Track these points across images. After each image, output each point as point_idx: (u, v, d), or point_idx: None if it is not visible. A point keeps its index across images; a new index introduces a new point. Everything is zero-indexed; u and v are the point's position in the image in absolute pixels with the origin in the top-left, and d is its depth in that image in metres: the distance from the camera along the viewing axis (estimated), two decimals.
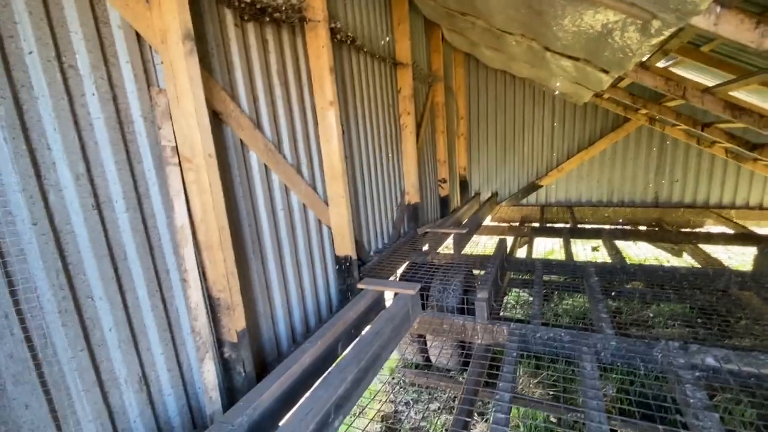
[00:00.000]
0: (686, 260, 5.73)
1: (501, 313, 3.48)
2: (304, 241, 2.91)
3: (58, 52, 1.45)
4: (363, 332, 2.93)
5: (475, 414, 2.87)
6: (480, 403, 3.17)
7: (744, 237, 4.98)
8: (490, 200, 7.35)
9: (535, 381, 3.23)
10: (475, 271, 4.29)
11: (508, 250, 5.23)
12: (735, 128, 4.72)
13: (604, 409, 1.95)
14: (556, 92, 6.61)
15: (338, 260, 3.25)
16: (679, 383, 2.14)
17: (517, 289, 5.13)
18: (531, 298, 5.00)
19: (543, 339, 2.71)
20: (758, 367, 2.18)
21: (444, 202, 6.22)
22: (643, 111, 5.99)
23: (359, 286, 3.15)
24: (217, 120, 2.14)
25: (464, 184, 7.50)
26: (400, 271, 4.03)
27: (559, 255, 6.87)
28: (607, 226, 6.52)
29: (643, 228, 6.74)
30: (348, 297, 3.30)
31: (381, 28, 4.18)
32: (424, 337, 3.55)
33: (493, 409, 2.02)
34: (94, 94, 1.57)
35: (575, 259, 4.52)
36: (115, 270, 1.65)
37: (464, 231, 4.71)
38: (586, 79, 4.24)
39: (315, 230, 3.06)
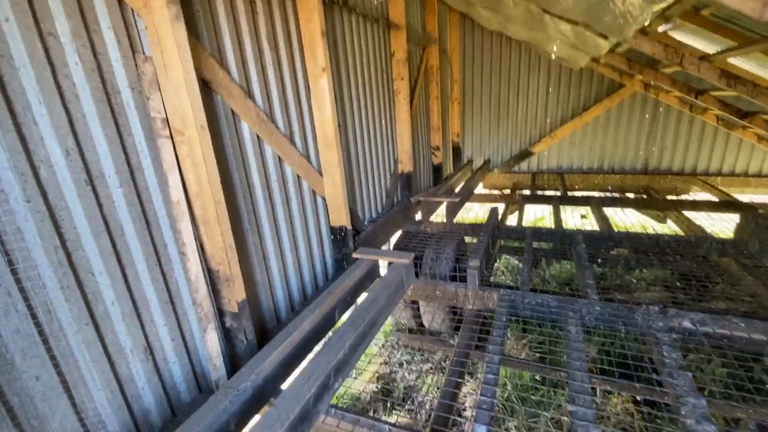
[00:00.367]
0: (670, 227, 5.91)
1: (491, 279, 3.60)
2: (299, 212, 2.92)
3: (36, 19, 1.36)
4: (359, 299, 3.03)
5: (466, 374, 3.03)
6: (470, 363, 3.35)
7: (727, 204, 5.12)
8: (483, 168, 7.35)
9: (523, 342, 3.41)
10: (467, 239, 4.38)
11: (499, 217, 5.32)
12: (728, 96, 4.71)
13: (587, 369, 2.10)
14: (553, 56, 6.45)
15: (333, 230, 3.27)
16: (656, 344, 2.28)
17: (507, 256, 5.28)
18: (520, 265, 5.16)
19: (531, 304, 2.84)
20: (731, 329, 2.33)
21: (437, 170, 6.21)
22: (639, 77, 5.92)
23: (354, 255, 3.21)
24: (206, 89, 2.07)
25: (457, 151, 7.45)
26: (394, 239, 4.10)
27: (549, 221, 7.01)
28: (596, 194, 6.62)
29: (631, 195, 6.87)
30: (344, 266, 3.36)
31: None
32: (417, 303, 3.68)
33: (484, 370, 2.15)
34: (77, 64, 1.49)
35: (564, 226, 4.62)
36: (113, 245, 1.65)
37: (457, 200, 4.75)
38: (584, 44, 4.14)
39: (309, 201, 3.06)
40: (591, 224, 7.04)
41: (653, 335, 2.37)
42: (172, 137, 1.81)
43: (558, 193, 6.46)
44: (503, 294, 2.93)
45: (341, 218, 3.21)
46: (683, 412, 1.78)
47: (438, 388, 3.17)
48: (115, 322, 1.65)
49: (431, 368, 3.40)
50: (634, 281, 4.30)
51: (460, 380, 2.39)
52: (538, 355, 3.15)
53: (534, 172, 7.59)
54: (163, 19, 1.65)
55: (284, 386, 2.14)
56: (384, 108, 4.34)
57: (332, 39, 3.27)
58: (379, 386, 3.19)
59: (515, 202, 6.08)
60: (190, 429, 1.58)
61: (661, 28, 3.21)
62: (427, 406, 2.99)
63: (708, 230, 4.39)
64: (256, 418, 1.86)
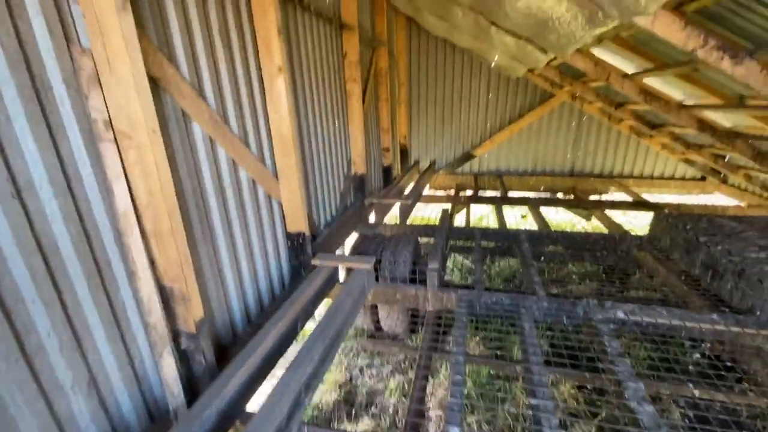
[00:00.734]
0: (594, 223, 6.61)
1: (445, 278, 3.73)
2: (254, 219, 2.76)
3: None
4: (319, 307, 2.95)
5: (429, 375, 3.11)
6: (432, 364, 3.44)
7: (640, 204, 5.85)
8: (429, 169, 7.57)
9: (476, 339, 3.58)
10: (422, 239, 4.49)
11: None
12: (641, 109, 5.38)
13: (542, 362, 2.26)
14: (493, 64, 6.84)
15: (290, 237, 3.15)
16: (598, 335, 2.54)
17: (457, 254, 5.50)
18: (469, 263, 5.42)
19: (487, 303, 2.99)
20: (655, 317, 2.67)
21: (387, 171, 6.27)
22: (568, 88, 6.51)
23: (314, 262, 3.12)
24: (154, 87, 1.86)
25: (404, 153, 7.59)
26: (350, 242, 4.06)
27: (491, 219, 7.43)
28: (532, 194, 7.15)
29: (560, 195, 7.55)
30: (301, 273, 3.26)
31: None
32: (376, 307, 3.68)
33: (451, 371, 2.21)
34: None
35: (507, 226, 4.93)
36: (48, 266, 1.42)
37: (410, 201, 4.84)
38: (524, 56, 4.44)
39: (265, 206, 2.91)
40: (530, 224, 7.62)
41: (594, 326, 2.63)
42: (116, 141, 1.60)
43: (498, 194, 6.88)
44: (461, 294, 3.05)
45: (299, 224, 3.10)
46: (626, 396, 2.00)
47: (399, 391, 3.21)
48: (52, 355, 1.42)
49: (392, 371, 3.43)
50: (572, 276, 4.73)
51: (425, 382, 2.44)
52: (490, 351, 3.34)
53: (476, 173, 8.00)
54: (107, 8, 1.45)
55: (249, 406, 2.02)
56: (337, 109, 4.27)
57: (286, 37, 3.13)
58: (341, 394, 3.14)
59: (462, 203, 6.35)
60: None
61: (594, 50, 3.55)
62: (390, 410, 3.01)
63: (626, 227, 4.98)
64: None
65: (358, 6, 4.58)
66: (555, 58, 4.85)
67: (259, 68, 2.72)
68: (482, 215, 8.21)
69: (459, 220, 6.24)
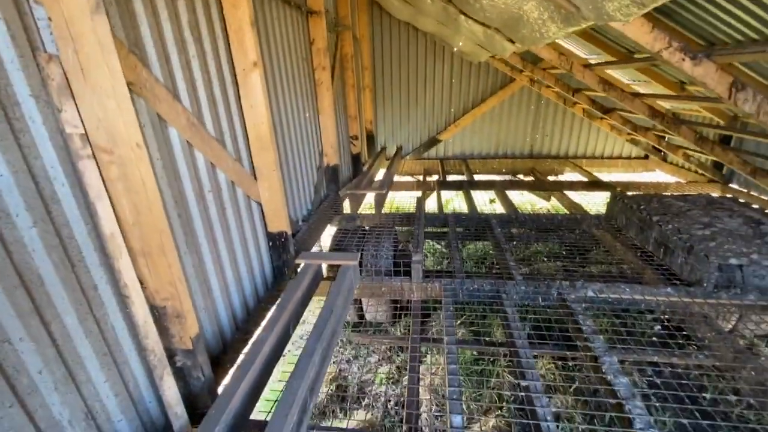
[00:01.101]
0: (553, 203, 7.01)
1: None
2: (236, 223, 2.66)
3: None
4: (308, 306, 2.94)
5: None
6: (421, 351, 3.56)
7: (595, 184, 6.28)
8: (397, 155, 7.59)
9: (458, 323, 3.75)
10: (398, 228, 4.54)
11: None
12: (596, 96, 5.70)
13: (528, 345, 2.43)
14: (455, 50, 6.88)
15: (271, 237, 3.08)
16: (572, 314, 2.76)
17: (430, 240, 5.64)
18: (442, 248, 5.57)
19: (470, 290, 3.13)
20: (620, 293, 2.94)
21: (356, 159, 6.21)
22: (527, 73, 6.73)
23: (297, 261, 3.07)
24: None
25: (371, 139, 7.54)
26: (328, 236, 4.02)
27: (457, 204, 7.64)
28: (497, 177, 7.41)
29: (522, 177, 7.90)
30: (284, 272, 3.21)
31: None
32: (361, 299, 3.72)
33: (446, 360, 2.32)
34: None
35: (478, 210, 5.12)
36: (33, 301, 1.30)
37: (383, 191, 4.86)
38: (490, 44, 4.51)
39: (245, 208, 2.80)
40: (499, 208, 7.92)
41: (568, 306, 2.85)
42: (95, 157, 1.47)
43: (465, 178, 7.07)
44: (445, 283, 3.16)
45: (280, 223, 3.03)
46: (603, 370, 2.22)
47: (389, 378, 3.32)
48: (46, 393, 1.33)
49: (379, 360, 3.52)
50: (538, 255, 5.03)
51: (417, 374, 2.54)
52: (471, 334, 3.52)
53: (441, 158, 8.14)
54: (77, 9, 1.29)
55: (253, 415, 2.01)
56: (307, 99, 4.13)
57: (258, 29, 2.96)
58: (332, 388, 3.19)
59: (431, 189, 6.46)
60: None
61: (559, 40, 3.69)
62: (382, 399, 3.11)
63: (586, 207, 5.34)
64: None
65: None
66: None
67: (230, 63, 2.57)
68: (449, 199, 8.42)
69: (430, 206, 6.36)
